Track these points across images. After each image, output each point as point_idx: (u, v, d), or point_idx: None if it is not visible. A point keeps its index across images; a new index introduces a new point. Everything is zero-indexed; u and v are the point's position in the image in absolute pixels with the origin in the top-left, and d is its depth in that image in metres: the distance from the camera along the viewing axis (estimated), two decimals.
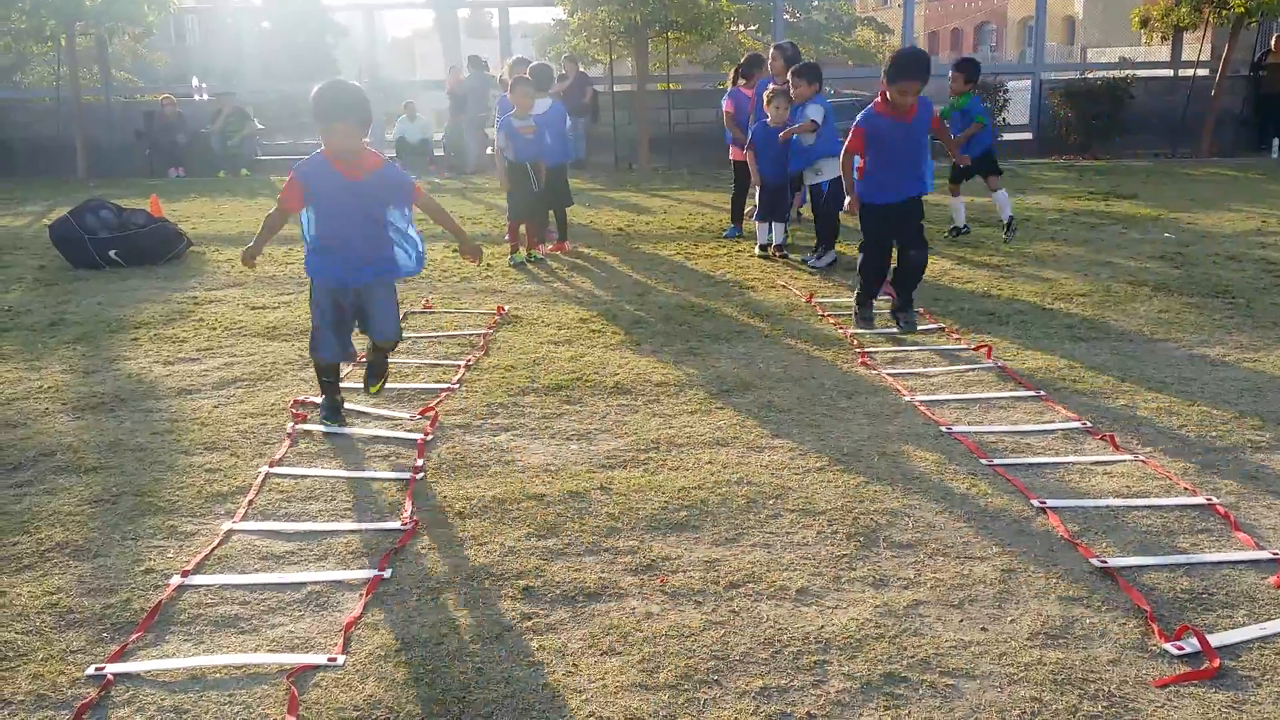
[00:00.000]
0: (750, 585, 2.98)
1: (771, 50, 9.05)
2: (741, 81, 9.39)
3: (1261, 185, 12.46)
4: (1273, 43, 16.69)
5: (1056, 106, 16.73)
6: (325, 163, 4.18)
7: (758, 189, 8.45)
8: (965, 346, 5.53)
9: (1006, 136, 17.40)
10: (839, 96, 21.06)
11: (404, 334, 5.09)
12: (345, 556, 3.22)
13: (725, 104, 9.54)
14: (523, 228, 8.32)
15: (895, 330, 5.82)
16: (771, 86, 8.29)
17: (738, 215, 9.60)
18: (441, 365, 5.36)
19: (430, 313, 6.61)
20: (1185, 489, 3.59)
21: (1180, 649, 2.59)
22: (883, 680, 2.50)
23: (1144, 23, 17.40)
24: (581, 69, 17.19)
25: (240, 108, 17.60)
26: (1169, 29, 17.15)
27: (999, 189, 8.90)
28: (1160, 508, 3.46)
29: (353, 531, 3.39)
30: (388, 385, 4.96)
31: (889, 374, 5.01)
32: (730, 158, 9.60)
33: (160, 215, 9.13)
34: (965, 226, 9.07)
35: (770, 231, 8.33)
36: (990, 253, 8.27)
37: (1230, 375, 4.89)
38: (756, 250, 8.42)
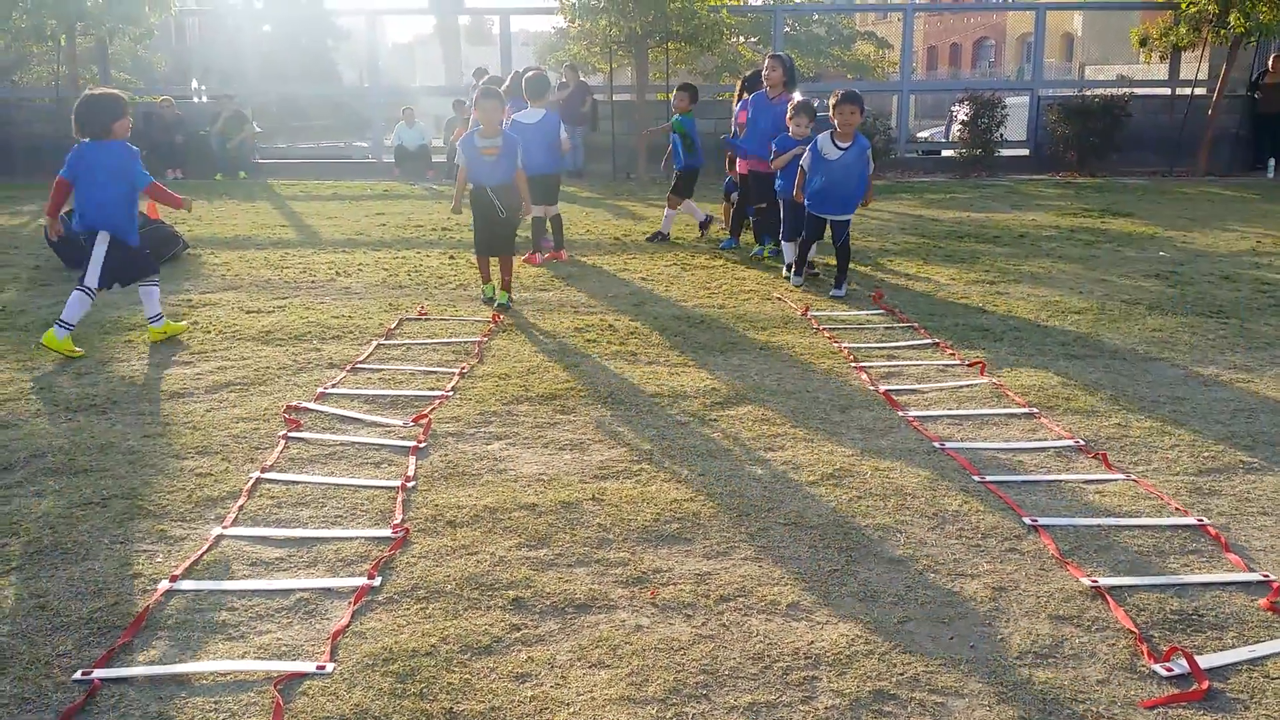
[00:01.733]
0: (740, 599, 2.97)
1: (768, 60, 8.86)
2: (746, 95, 9.33)
3: (1257, 205, 12.50)
4: (1270, 62, 16.76)
5: (1054, 123, 16.78)
6: None
7: (783, 204, 8.00)
8: (959, 362, 5.53)
9: (1004, 152, 17.46)
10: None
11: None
12: (335, 564, 3.21)
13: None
14: (495, 266, 7.07)
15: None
16: (796, 98, 8.03)
17: (736, 229, 9.51)
18: (435, 372, 5.35)
19: (425, 319, 6.60)
20: (1177, 509, 3.59)
21: (1169, 670, 2.59)
22: (872, 697, 2.49)
23: (1143, 42, 17.47)
24: (582, 78, 17.21)
25: (239, 110, 17.61)
26: (1168, 48, 17.21)
27: (678, 207, 9.90)
28: (1151, 528, 3.46)
29: (343, 539, 3.38)
30: (380, 392, 4.97)
31: (883, 389, 5.01)
32: (737, 169, 9.34)
33: (157, 217, 9.11)
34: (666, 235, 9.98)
35: (795, 252, 7.85)
36: (985, 269, 8.28)
37: (1223, 396, 4.90)
38: (784, 272, 7.97)
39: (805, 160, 7.28)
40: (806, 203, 7.38)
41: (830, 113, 7.23)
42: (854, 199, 7.36)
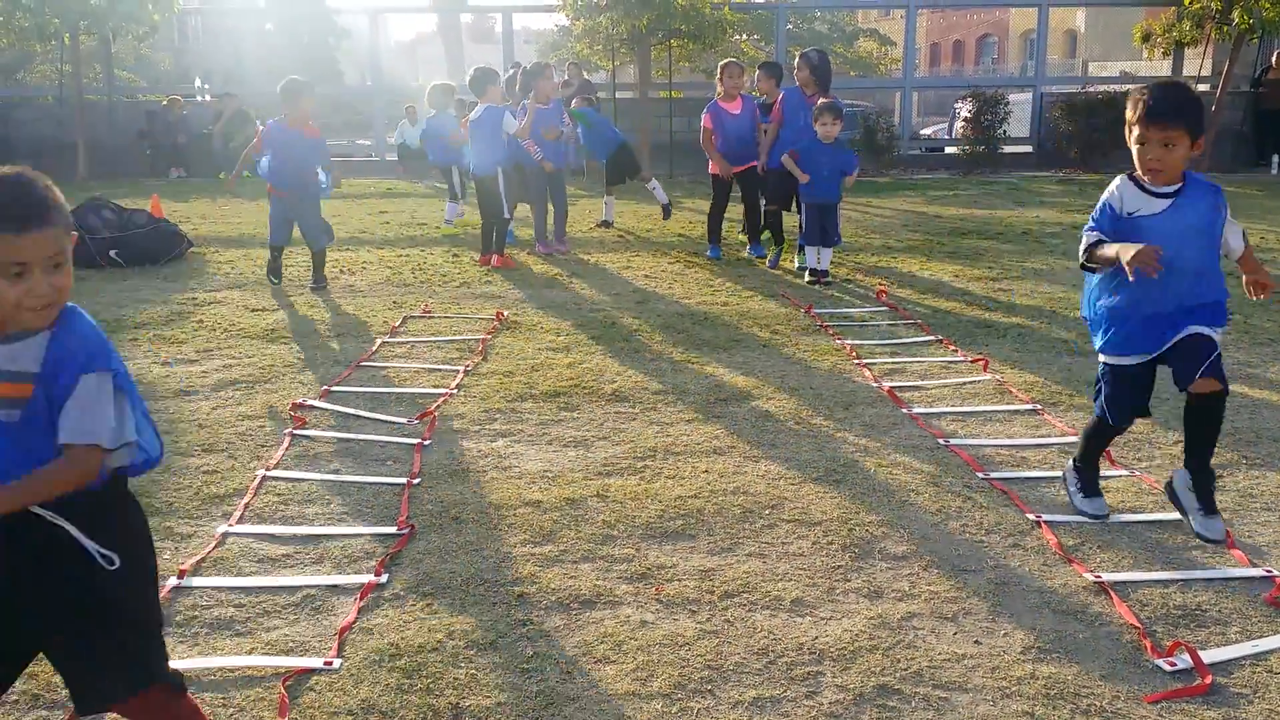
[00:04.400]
0: (745, 595, 2.99)
1: (798, 59, 8.46)
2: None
3: (1261, 201, 12.49)
4: (1273, 59, 16.75)
5: (1057, 120, 16.77)
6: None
7: (806, 208, 7.73)
8: (962, 359, 5.54)
9: (1007, 149, 17.45)
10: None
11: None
12: (341, 561, 3.22)
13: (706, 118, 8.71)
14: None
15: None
16: (821, 100, 7.74)
17: (717, 234, 8.87)
18: (440, 370, 5.37)
19: (429, 317, 6.62)
20: None
21: (1172, 665, 2.60)
22: (876, 692, 2.51)
23: (1146, 38, 17.46)
24: (586, 76, 17.21)
25: (242, 109, 17.62)
26: (1170, 44, 17.20)
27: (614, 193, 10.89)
28: (1154, 523, 3.47)
29: (349, 536, 3.39)
30: (385, 390, 5.00)
31: (886, 386, 5.02)
32: (709, 171, 8.85)
33: (161, 216, 9.14)
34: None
35: (818, 256, 7.71)
36: (989, 266, 8.29)
37: None
38: (807, 277, 7.76)
39: (1089, 241, 3.30)
40: (1108, 339, 3.35)
41: (1128, 136, 3.51)
42: (1214, 286, 3.29)
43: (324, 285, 7.49)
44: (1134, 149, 3.43)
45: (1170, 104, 3.33)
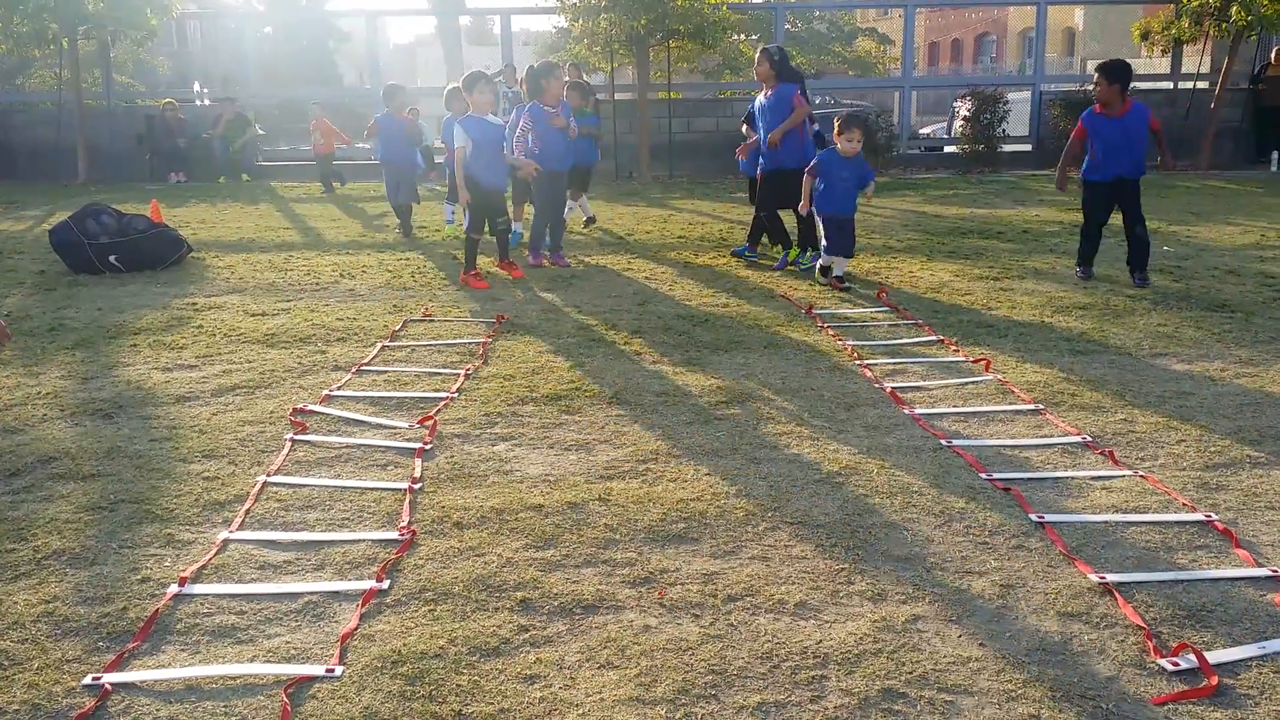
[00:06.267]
0: (748, 598, 2.97)
1: (759, 54, 8.30)
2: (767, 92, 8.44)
3: (1260, 198, 12.48)
4: (1272, 56, 16.75)
5: (1056, 118, 16.76)
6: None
7: (821, 221, 7.70)
8: (964, 359, 5.53)
9: (1006, 148, 17.43)
10: (838, 106, 21.07)
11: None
12: (342, 567, 3.21)
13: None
14: None
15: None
16: (845, 112, 7.71)
17: (757, 236, 8.79)
18: (440, 374, 5.36)
19: (430, 321, 6.61)
20: (1184, 505, 3.58)
21: (1177, 666, 2.59)
22: (881, 696, 2.49)
23: (1144, 35, 17.46)
24: (585, 77, 17.21)
25: (242, 113, 17.61)
26: (1169, 42, 17.20)
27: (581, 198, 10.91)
28: (1159, 523, 3.45)
29: (350, 541, 3.38)
30: (386, 394, 4.99)
31: (888, 386, 5.01)
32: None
33: (161, 221, 9.14)
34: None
35: (832, 264, 7.66)
36: (989, 265, 8.28)
37: (1229, 390, 4.89)
38: (818, 274, 7.75)
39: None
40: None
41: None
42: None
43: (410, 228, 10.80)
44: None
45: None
